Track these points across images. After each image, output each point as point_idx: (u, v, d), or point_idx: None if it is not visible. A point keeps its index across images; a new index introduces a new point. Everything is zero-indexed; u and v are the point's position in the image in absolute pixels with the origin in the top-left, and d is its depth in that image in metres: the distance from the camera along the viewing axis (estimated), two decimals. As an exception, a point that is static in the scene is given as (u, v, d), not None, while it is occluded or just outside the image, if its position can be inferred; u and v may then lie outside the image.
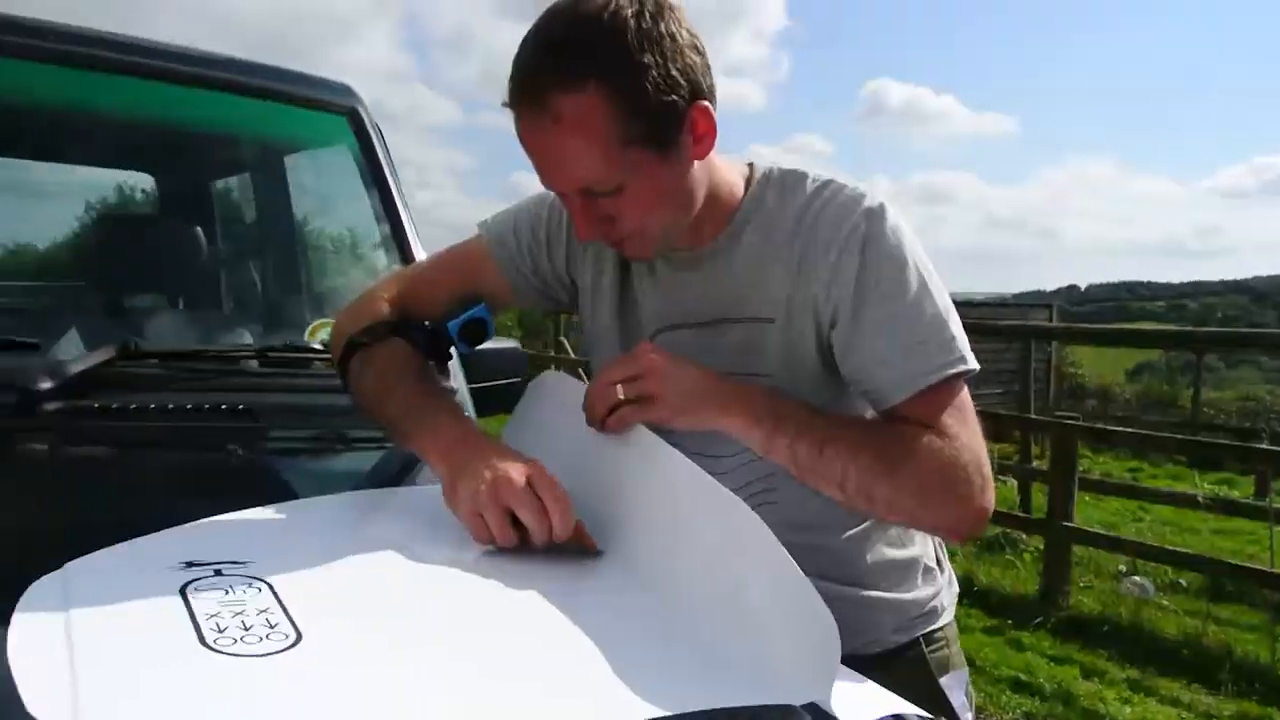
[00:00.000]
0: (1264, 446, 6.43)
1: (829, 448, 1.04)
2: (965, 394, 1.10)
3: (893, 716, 0.85)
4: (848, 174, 1.19)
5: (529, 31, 1.04)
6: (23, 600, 0.78)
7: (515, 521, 0.97)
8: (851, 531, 1.23)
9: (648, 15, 1.01)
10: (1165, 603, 5.01)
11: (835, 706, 0.79)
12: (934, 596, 1.32)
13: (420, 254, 1.81)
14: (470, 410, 1.64)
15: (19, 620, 0.75)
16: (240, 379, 1.54)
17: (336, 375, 1.35)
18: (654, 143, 1.04)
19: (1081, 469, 5.98)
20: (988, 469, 1.08)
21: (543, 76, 1.01)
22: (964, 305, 14.95)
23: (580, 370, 7.84)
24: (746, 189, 1.18)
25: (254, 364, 1.56)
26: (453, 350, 1.30)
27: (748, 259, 1.16)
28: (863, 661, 0.94)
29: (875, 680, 0.90)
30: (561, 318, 9.93)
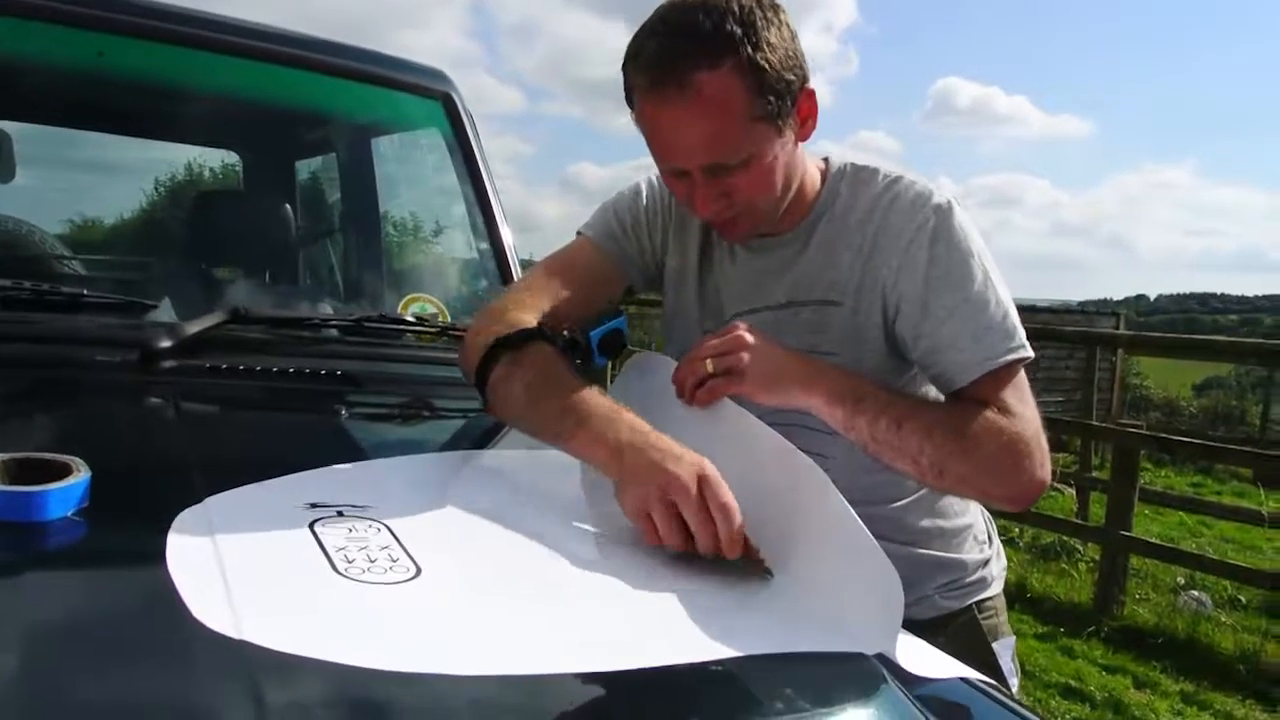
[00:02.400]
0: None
1: (906, 425, 1.12)
2: (1023, 374, 1.19)
3: (960, 679, 0.91)
4: (911, 173, 1.27)
5: (655, 19, 1.14)
6: (174, 526, 0.87)
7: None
8: (900, 502, 1.32)
9: (766, 5, 1.13)
10: (1223, 618, 4.95)
11: (900, 664, 0.86)
12: (984, 564, 1.41)
13: (508, 237, 1.90)
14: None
15: (173, 542, 0.84)
16: (339, 345, 1.64)
17: (428, 347, 1.49)
18: (776, 118, 1.15)
19: (1143, 482, 5.91)
20: (1045, 442, 1.16)
21: (684, 55, 1.10)
22: (1027, 310, 14.69)
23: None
24: (823, 182, 1.29)
25: (352, 332, 1.66)
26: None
27: (820, 246, 1.26)
28: (919, 626, 1.00)
29: (930, 644, 0.96)
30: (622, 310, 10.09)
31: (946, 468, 1.12)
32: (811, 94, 1.18)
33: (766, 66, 1.11)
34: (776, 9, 1.15)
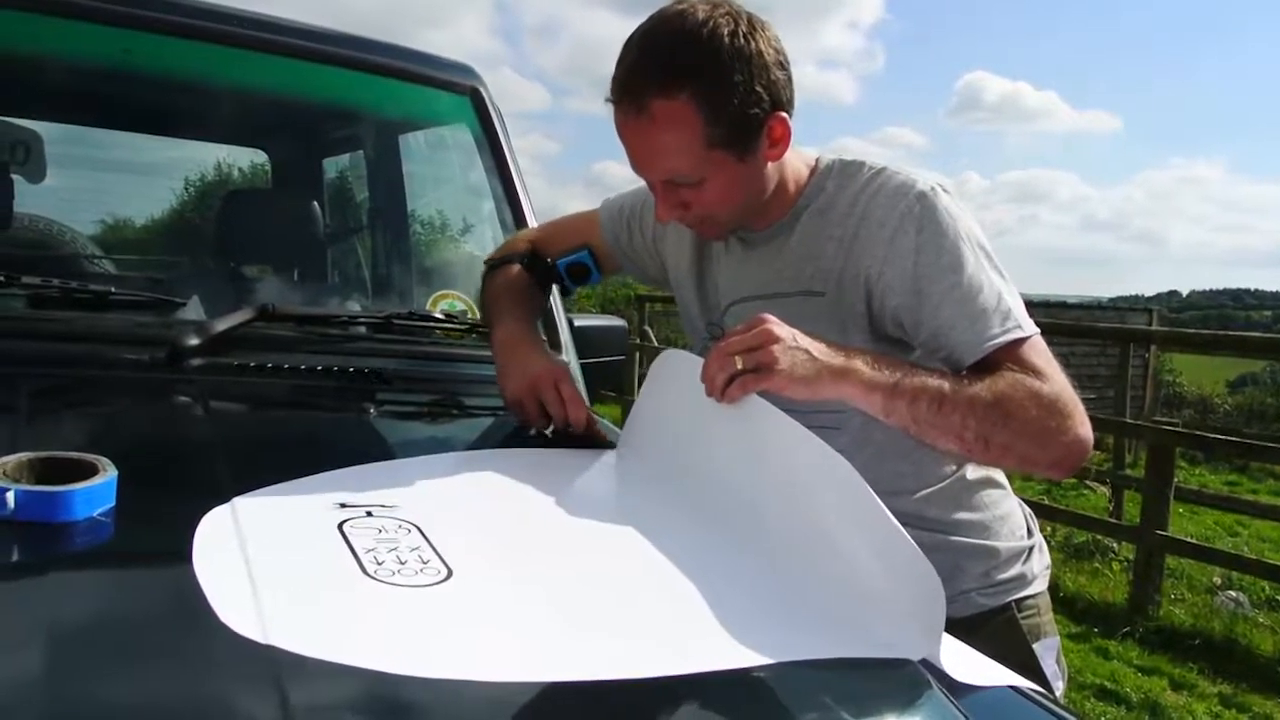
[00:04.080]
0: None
1: (946, 403, 1.10)
2: (1041, 340, 1.19)
3: (1007, 686, 0.88)
4: (938, 169, 1.25)
5: (635, 34, 1.18)
6: (200, 527, 0.85)
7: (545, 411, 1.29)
8: (925, 492, 1.30)
9: (741, 35, 1.14)
10: (1261, 619, 4.86)
11: (944, 669, 0.83)
12: (1022, 559, 1.37)
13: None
14: (580, 386, 1.71)
15: (200, 543, 0.82)
16: (368, 343, 1.63)
17: (458, 344, 1.61)
18: (734, 147, 1.17)
19: (1177, 481, 5.81)
20: (1080, 403, 1.16)
21: (644, 80, 1.15)
22: (1057, 307, 14.54)
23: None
24: (811, 178, 1.30)
25: (381, 329, 1.65)
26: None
27: (804, 238, 1.28)
28: (955, 625, 0.97)
29: (968, 645, 0.93)
30: (646, 308, 10.09)
31: (991, 438, 1.12)
32: (783, 119, 1.19)
33: (726, 101, 1.14)
34: (754, 34, 1.15)
